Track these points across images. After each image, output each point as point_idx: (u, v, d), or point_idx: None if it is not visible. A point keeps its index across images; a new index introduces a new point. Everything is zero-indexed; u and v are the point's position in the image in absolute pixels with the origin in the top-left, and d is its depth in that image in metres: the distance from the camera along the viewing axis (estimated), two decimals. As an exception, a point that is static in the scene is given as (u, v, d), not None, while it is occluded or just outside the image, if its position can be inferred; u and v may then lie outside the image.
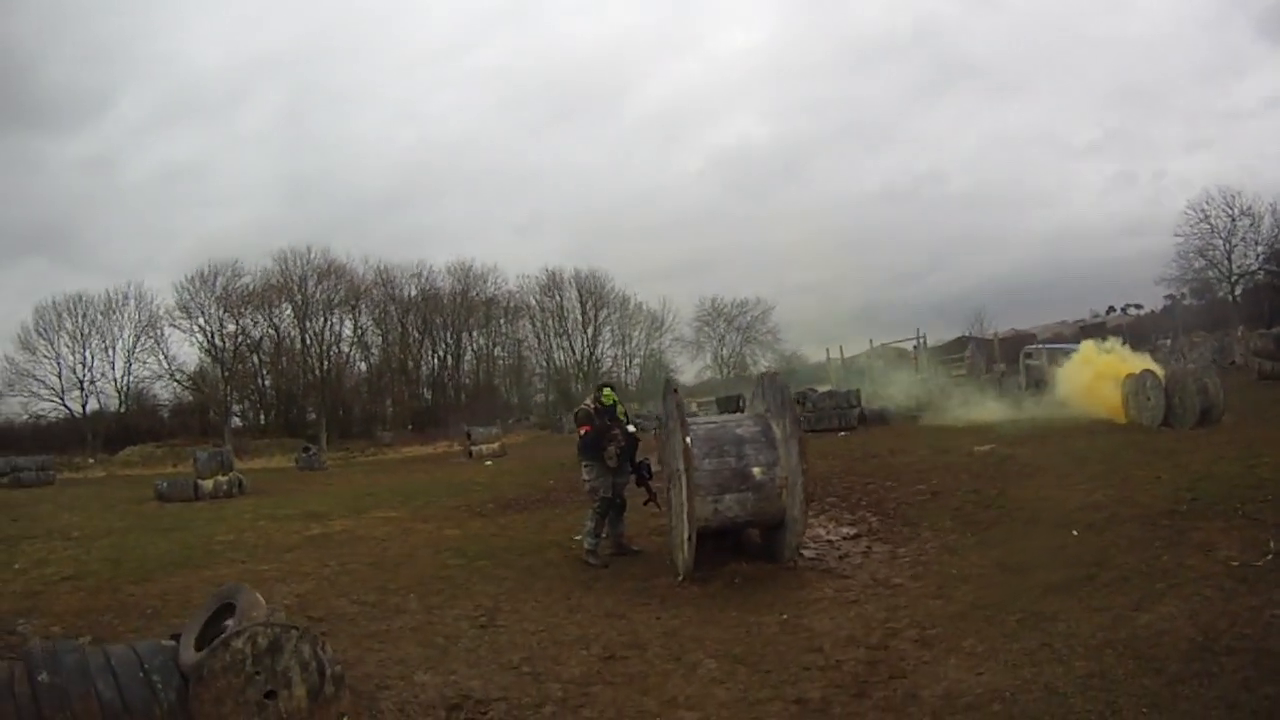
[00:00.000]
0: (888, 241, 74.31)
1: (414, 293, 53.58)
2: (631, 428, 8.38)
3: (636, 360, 55.68)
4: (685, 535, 6.65)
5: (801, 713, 4.33)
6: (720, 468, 6.87)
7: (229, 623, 4.37)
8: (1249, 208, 47.84)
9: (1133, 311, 53.37)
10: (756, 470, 6.90)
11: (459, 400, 52.51)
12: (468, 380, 55.38)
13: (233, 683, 3.83)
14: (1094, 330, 40.14)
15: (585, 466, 8.13)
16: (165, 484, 18.75)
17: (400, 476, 21.73)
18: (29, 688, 3.69)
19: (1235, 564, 5.66)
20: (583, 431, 8.29)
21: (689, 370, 55.39)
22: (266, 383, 51.82)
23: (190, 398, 49.65)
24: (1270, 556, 5.68)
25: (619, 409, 8.47)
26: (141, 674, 3.95)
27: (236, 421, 49.63)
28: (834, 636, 5.40)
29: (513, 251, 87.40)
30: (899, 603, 5.95)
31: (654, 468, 8.40)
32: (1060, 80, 78.68)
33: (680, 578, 6.93)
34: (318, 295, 51.20)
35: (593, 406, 8.33)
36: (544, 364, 57.15)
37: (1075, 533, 7.18)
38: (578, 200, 75.27)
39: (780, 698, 4.52)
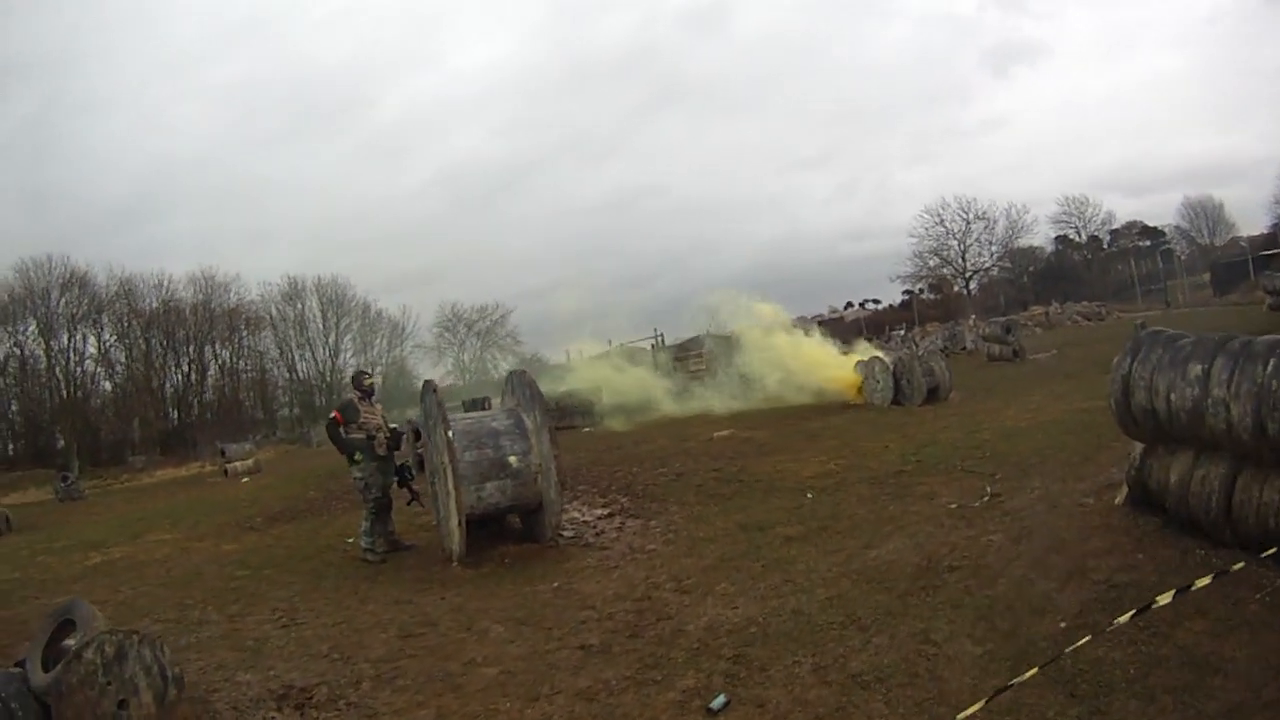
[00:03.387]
0: (612, 248, 78.11)
1: (156, 304, 50.57)
2: (394, 426, 8.50)
3: (379, 368, 54.62)
4: (456, 523, 6.97)
5: (586, 656, 4.85)
6: (480, 459, 7.25)
7: (69, 641, 4.35)
8: (984, 212, 54.75)
9: (871, 306, 58.36)
10: (513, 459, 7.35)
11: (204, 418, 49.88)
12: (212, 396, 52.85)
13: (88, 696, 3.85)
14: (834, 324, 43.87)
15: (356, 464, 8.08)
16: (-74, 529, 17.35)
17: (163, 500, 21.55)
18: None
19: (954, 506, 6.60)
20: (333, 415, 8.24)
21: (431, 377, 55.83)
22: (14, 408, 47.23)
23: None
24: (985, 499, 6.62)
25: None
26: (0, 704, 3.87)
27: (-18, 455, 44.58)
28: (602, 595, 5.98)
29: (252, 264, 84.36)
30: (655, 564, 6.60)
31: (414, 471, 8.49)
32: (785, 101, 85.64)
33: (454, 563, 7.25)
34: (61, 309, 47.22)
35: (356, 396, 8.32)
36: (287, 376, 55.69)
37: (809, 495, 8.04)
38: (315, 212, 74.86)
39: (565, 646, 5.05)
